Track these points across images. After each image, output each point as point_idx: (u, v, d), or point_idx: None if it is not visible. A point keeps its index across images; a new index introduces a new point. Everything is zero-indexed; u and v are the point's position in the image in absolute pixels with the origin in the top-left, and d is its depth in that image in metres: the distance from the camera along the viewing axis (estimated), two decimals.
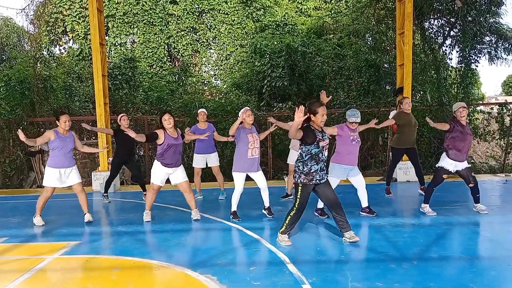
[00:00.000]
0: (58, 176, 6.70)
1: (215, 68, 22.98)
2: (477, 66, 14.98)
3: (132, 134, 6.37)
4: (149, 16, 21.51)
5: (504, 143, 12.75)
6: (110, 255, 5.25)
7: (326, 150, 5.26)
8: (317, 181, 5.17)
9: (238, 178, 6.57)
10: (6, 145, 12.35)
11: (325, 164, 5.25)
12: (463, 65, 14.67)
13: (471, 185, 6.55)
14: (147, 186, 7.84)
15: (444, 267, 4.40)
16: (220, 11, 22.32)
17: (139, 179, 8.75)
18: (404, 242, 5.33)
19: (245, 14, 22.30)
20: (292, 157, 7.74)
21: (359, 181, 6.56)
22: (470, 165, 6.59)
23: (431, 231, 5.77)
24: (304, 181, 5.15)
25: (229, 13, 22.28)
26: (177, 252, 5.29)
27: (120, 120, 8.25)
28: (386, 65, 15.12)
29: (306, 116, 5.08)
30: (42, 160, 11.96)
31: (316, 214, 6.71)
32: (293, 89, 15.05)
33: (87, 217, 6.92)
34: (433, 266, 4.43)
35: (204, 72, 23.26)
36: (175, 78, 21.05)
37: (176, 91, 18.93)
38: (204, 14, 22.80)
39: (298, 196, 5.20)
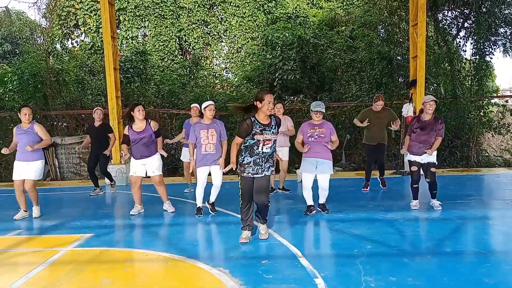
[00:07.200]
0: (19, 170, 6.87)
1: (226, 61, 22.94)
2: (491, 58, 14.79)
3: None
4: (160, 9, 21.52)
5: None
6: (123, 248, 5.28)
7: (265, 146, 4.99)
8: (249, 174, 5.04)
9: (198, 173, 6.52)
10: None
11: (265, 159, 5.03)
12: (477, 57, 14.48)
13: (427, 180, 6.56)
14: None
15: (458, 262, 4.36)
16: (231, 4, 22.24)
17: (105, 174, 9.21)
18: (417, 236, 5.29)
19: (256, 6, 22.18)
20: (283, 152, 7.99)
21: (321, 181, 6.46)
22: (435, 162, 6.56)
23: (445, 225, 5.72)
24: (239, 171, 5.12)
25: (240, 5, 22.19)
26: (190, 245, 5.30)
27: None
28: (399, 58, 14.96)
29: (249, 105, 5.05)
30: (55, 153, 12.07)
31: (319, 209, 6.64)
32: (305, 82, 14.95)
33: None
34: (446, 261, 4.39)
35: (215, 65, 23.25)
36: (186, 71, 21.08)
37: (187, 84, 18.97)
38: (215, 7, 22.75)
39: (239, 187, 5.16)
